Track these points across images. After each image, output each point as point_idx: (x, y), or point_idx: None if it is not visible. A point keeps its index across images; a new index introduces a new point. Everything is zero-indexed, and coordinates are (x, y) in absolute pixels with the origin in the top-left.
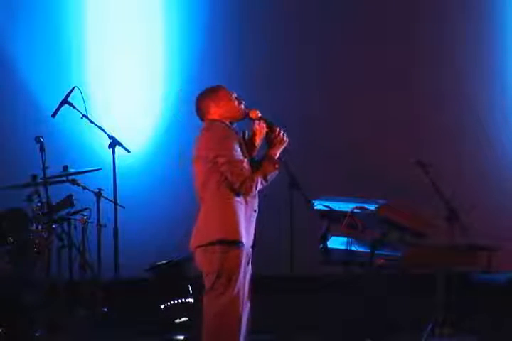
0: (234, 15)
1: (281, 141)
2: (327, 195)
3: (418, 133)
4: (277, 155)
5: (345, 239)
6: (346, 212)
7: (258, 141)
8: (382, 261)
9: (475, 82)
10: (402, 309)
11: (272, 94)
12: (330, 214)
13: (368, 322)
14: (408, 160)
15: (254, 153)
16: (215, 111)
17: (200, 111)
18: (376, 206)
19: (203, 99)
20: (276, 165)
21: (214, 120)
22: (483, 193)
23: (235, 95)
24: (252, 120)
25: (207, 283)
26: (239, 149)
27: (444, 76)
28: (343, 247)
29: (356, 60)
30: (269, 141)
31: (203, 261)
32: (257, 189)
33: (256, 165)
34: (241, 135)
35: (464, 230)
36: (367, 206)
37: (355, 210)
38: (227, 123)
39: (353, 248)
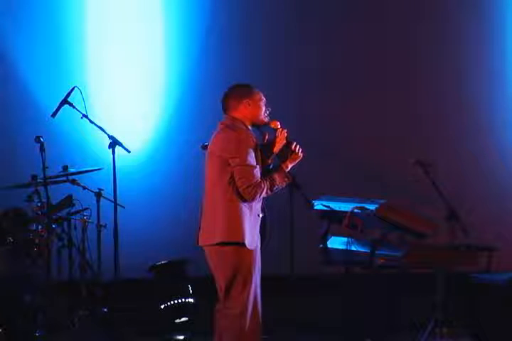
0: (234, 15)
1: (296, 156)
2: (327, 195)
3: (418, 133)
4: (289, 168)
5: (345, 239)
6: (346, 212)
7: (276, 148)
8: (382, 261)
9: (475, 82)
10: (402, 309)
11: (271, 94)
12: (330, 214)
13: (367, 322)
14: (408, 160)
15: (270, 160)
16: (242, 110)
17: (228, 105)
18: (376, 206)
19: (236, 94)
20: (286, 179)
21: (236, 118)
22: (483, 194)
23: (264, 101)
24: (274, 129)
25: (222, 283)
26: (253, 154)
27: (444, 76)
28: (343, 247)
29: (356, 59)
30: (283, 154)
31: (215, 260)
32: (261, 196)
33: (267, 173)
34: (259, 138)
35: (464, 230)
36: (367, 206)
37: (355, 210)
38: (247, 125)
39: (353, 248)
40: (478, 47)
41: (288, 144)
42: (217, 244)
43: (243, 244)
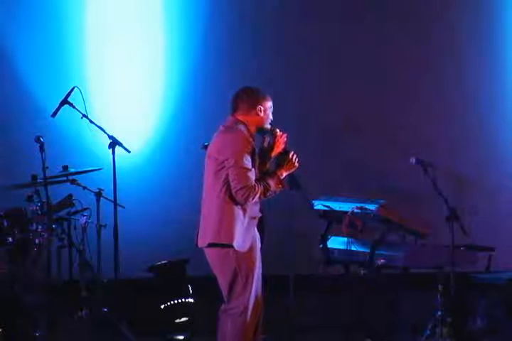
0: (234, 15)
1: (292, 166)
2: (327, 195)
3: (418, 132)
4: (283, 176)
5: (345, 239)
6: (346, 212)
7: (274, 152)
8: (382, 261)
9: (475, 82)
10: (402, 309)
11: (271, 94)
12: (330, 214)
13: (367, 322)
14: (408, 160)
15: (268, 165)
16: (250, 114)
17: (238, 105)
18: (376, 206)
19: (250, 99)
20: (280, 186)
21: (240, 121)
22: (483, 194)
23: (272, 110)
24: (274, 134)
25: (224, 284)
26: (249, 157)
27: (444, 76)
28: (343, 247)
29: (356, 58)
30: (280, 161)
31: (214, 261)
32: (254, 199)
33: (263, 177)
34: (260, 143)
35: (464, 230)
36: (367, 206)
37: (355, 210)
38: (249, 129)
39: (353, 248)
40: (478, 47)
41: (286, 152)
42: (209, 245)
43: (229, 246)
